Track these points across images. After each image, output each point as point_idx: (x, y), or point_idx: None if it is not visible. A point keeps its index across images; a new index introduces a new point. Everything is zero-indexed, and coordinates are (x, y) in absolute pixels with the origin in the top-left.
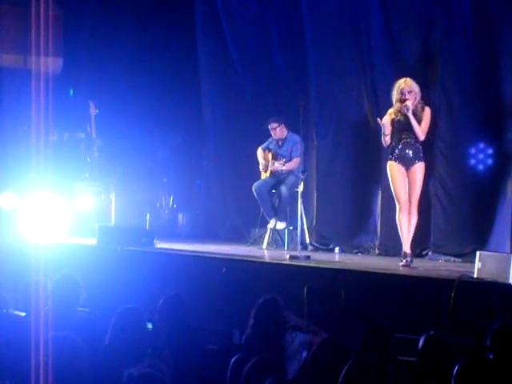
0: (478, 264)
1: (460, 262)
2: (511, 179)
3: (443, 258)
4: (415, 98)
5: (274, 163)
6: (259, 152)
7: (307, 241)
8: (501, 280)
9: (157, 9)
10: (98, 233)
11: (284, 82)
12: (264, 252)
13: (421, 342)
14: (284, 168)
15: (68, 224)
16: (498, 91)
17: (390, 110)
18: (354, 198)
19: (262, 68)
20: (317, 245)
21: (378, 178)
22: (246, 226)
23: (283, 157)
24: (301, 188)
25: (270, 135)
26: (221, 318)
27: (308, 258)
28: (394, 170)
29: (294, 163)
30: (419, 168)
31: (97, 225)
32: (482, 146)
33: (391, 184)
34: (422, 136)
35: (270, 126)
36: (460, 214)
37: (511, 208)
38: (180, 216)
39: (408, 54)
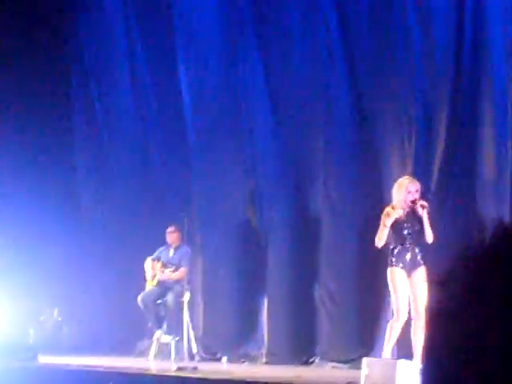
0: (364, 370)
1: (347, 368)
2: None
3: (330, 364)
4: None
5: (163, 271)
6: (148, 262)
7: (194, 351)
8: None
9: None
10: None
11: (166, 192)
12: (151, 364)
13: None
14: (172, 277)
15: None
16: (379, 199)
17: (388, 210)
18: (240, 307)
19: (141, 180)
20: (204, 355)
21: (263, 285)
22: (132, 338)
23: (173, 265)
24: (187, 298)
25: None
26: None
27: (195, 368)
28: (396, 276)
29: (182, 273)
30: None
31: None
32: (363, 252)
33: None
34: (431, 238)
35: (168, 229)
36: (345, 318)
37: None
38: (65, 328)
39: (292, 160)
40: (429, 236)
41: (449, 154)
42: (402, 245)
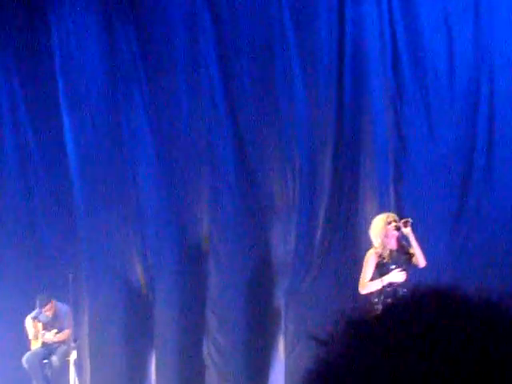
0: None
1: None
2: (283, 335)
3: None
4: None
5: (44, 334)
6: (28, 322)
7: None
8: None
9: None
10: None
11: (50, 251)
12: None
13: None
14: (55, 340)
15: None
16: (265, 251)
17: (372, 251)
18: (128, 364)
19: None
20: None
21: (150, 341)
22: None
23: (54, 327)
24: (73, 357)
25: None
26: None
27: None
28: None
29: (66, 334)
30: None
31: None
32: (251, 302)
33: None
34: (423, 260)
35: (43, 308)
36: (235, 374)
37: (284, 366)
38: None
39: (177, 210)
40: (420, 258)
41: (333, 204)
42: (388, 287)
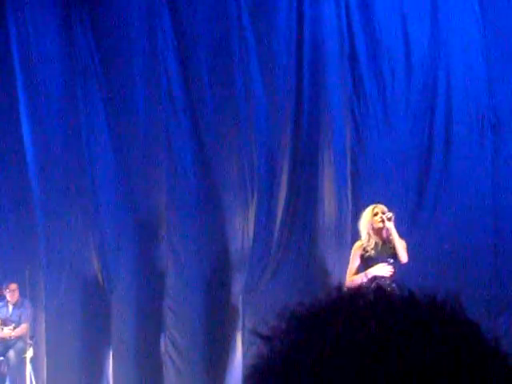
0: None
1: None
2: (241, 332)
3: None
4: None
5: (2, 329)
6: None
7: None
8: None
9: None
10: None
11: (7, 247)
12: None
13: None
14: (13, 335)
15: None
16: (223, 249)
17: (358, 244)
18: (85, 360)
19: None
20: None
21: (107, 337)
22: None
23: (13, 322)
24: (29, 354)
25: None
26: None
27: None
28: None
29: (23, 330)
30: None
31: None
32: (208, 300)
33: None
34: (405, 256)
35: (7, 288)
36: (192, 372)
37: (241, 363)
38: None
39: (137, 212)
40: (401, 253)
41: (290, 204)
42: (376, 283)
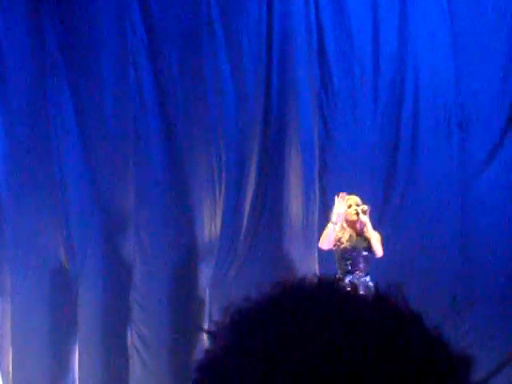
0: None
1: None
2: (208, 326)
3: None
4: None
5: None
6: None
7: None
8: None
9: None
10: None
11: None
12: None
13: None
14: None
15: None
16: (192, 241)
17: (339, 235)
18: (51, 353)
19: None
20: None
21: (74, 330)
22: None
23: None
24: None
25: None
26: None
27: None
28: None
29: None
30: None
31: None
32: (175, 293)
33: None
34: (380, 251)
35: None
36: (159, 365)
37: None
38: None
39: (103, 204)
40: (376, 248)
41: (258, 199)
42: (351, 275)
